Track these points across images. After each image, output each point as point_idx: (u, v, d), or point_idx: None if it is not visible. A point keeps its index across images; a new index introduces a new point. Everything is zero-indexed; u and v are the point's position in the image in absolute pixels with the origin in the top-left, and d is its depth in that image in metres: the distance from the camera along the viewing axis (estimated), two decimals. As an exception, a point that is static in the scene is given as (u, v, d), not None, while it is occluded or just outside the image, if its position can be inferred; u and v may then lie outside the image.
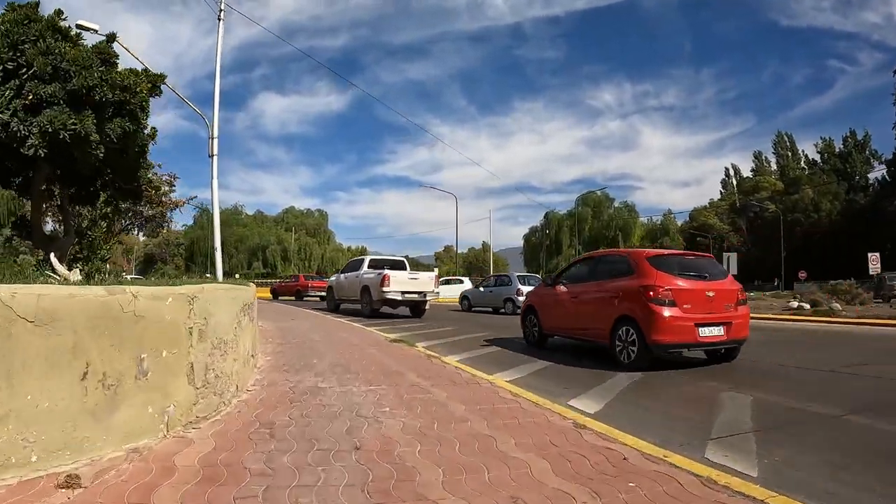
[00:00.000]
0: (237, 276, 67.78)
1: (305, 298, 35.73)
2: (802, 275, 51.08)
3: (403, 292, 18.65)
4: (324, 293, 25.21)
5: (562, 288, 10.11)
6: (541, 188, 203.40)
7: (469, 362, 8.48)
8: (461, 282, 40.02)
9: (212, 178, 14.05)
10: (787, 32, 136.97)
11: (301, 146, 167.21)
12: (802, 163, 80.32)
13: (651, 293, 7.82)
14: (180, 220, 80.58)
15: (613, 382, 6.93)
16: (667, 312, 7.68)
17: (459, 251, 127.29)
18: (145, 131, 8.06)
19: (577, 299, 9.52)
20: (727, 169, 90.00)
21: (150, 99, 7.91)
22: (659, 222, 77.52)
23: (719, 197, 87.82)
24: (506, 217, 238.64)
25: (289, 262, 71.91)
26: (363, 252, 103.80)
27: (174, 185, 32.24)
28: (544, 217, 75.10)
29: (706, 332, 7.87)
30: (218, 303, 4.93)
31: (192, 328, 4.18)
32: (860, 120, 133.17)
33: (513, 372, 7.71)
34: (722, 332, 8.01)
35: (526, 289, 19.78)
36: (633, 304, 8.04)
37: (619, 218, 70.99)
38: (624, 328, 8.12)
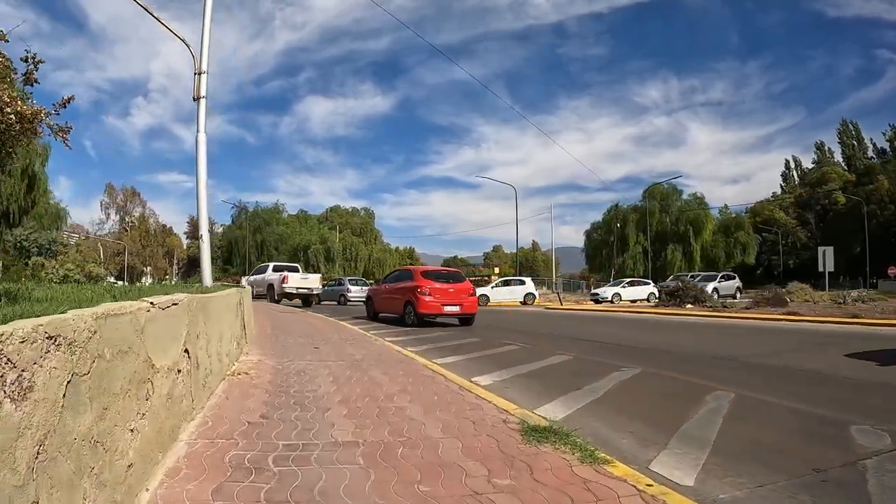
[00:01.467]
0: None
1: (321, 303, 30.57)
2: (893, 271, 46.05)
3: (297, 288, 27.43)
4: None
5: (384, 286, 19.06)
6: (587, 187, 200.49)
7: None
8: (522, 283, 36.14)
9: (197, 128, 9.82)
10: (833, 23, 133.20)
11: (347, 148, 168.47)
12: (870, 152, 74.86)
13: (419, 289, 15.66)
14: (220, 220, 79.75)
15: (405, 331, 14.16)
16: (427, 298, 15.50)
17: (508, 251, 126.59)
18: None
19: (388, 293, 17.94)
20: (787, 161, 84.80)
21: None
22: (732, 215, 71.45)
23: (780, 191, 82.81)
24: (555, 216, 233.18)
25: (333, 262, 69.23)
26: (412, 253, 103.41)
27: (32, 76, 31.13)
28: (607, 212, 69.83)
29: (448, 309, 15.75)
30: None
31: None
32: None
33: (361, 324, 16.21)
34: (458, 309, 15.93)
35: (355, 288, 31.17)
36: (411, 295, 15.84)
37: (689, 211, 65.69)
38: (408, 307, 16.04)
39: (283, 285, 26.98)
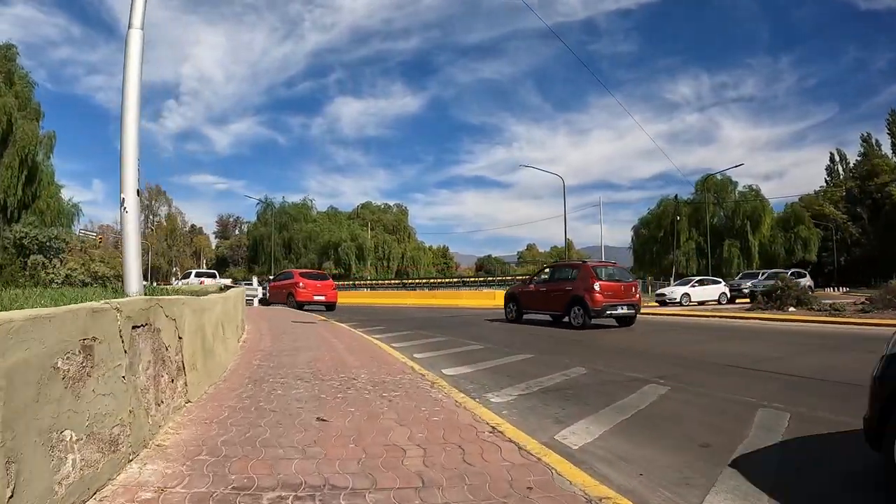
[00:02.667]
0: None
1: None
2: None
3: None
4: None
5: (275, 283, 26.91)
6: (620, 185, 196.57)
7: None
8: (717, 282, 34.57)
9: (125, 63, 5.80)
10: (866, 16, 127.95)
11: (378, 148, 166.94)
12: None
13: (298, 284, 24.69)
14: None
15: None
16: (302, 290, 24.40)
17: (542, 250, 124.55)
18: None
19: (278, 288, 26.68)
20: (832, 154, 78.51)
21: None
22: (790, 207, 65.54)
23: (824, 185, 76.70)
24: (586, 215, 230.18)
25: (364, 261, 65.33)
26: (445, 252, 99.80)
27: None
28: (657, 205, 64.60)
29: (317, 298, 23.96)
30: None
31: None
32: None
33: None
34: (323, 298, 24.28)
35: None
36: (293, 288, 25.12)
37: (746, 204, 60.28)
38: (290, 297, 24.91)
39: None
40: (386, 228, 76.47)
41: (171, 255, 78.85)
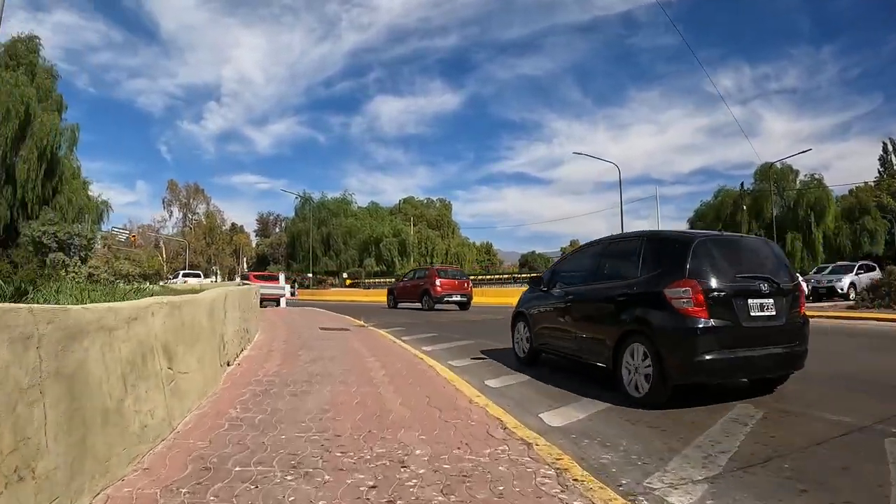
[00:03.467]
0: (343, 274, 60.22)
1: (437, 307, 22.47)
2: None
3: None
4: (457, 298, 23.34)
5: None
6: (662, 180, 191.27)
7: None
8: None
9: None
10: None
11: (418, 146, 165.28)
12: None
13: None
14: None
15: None
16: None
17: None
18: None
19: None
20: (885, 144, 72.30)
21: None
22: (853, 195, 60.06)
23: (877, 176, 70.41)
24: (627, 210, 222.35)
25: (407, 257, 62.19)
26: (489, 248, 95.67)
27: None
28: (714, 196, 59.76)
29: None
30: None
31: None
32: None
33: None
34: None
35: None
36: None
37: (809, 193, 55.33)
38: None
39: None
40: (429, 224, 73.01)
41: (209, 253, 77.13)
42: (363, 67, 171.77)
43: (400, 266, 59.96)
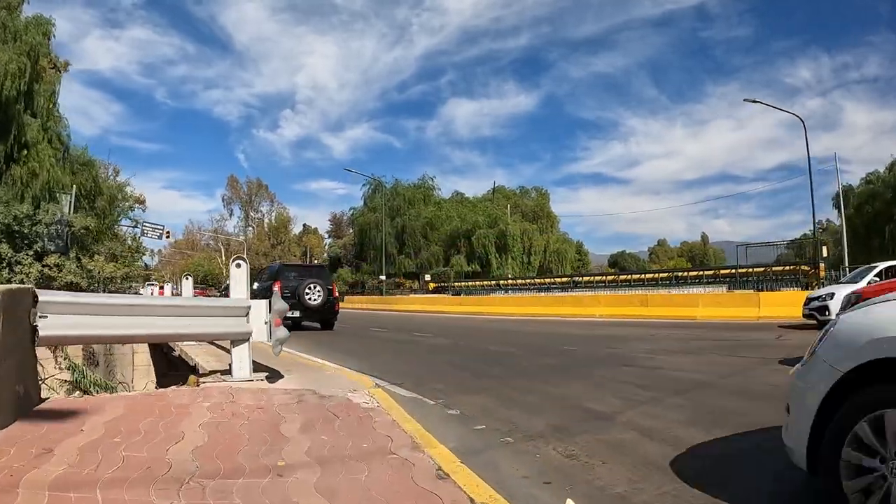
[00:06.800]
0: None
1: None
2: None
3: None
4: None
5: None
6: (742, 177, 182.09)
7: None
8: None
9: None
10: None
11: (494, 148, 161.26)
12: None
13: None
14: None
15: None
16: None
17: (673, 245, 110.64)
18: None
19: None
20: None
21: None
22: None
23: None
24: (707, 210, 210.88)
25: (506, 254, 50.77)
26: (580, 247, 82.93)
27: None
28: (866, 182, 45.95)
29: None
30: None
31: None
32: None
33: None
34: None
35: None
36: None
37: None
38: None
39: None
40: (524, 216, 60.57)
41: (274, 254, 68.54)
42: (436, 71, 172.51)
43: (497, 266, 48.09)
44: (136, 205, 37.99)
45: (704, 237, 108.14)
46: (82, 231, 20.98)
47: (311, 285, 15.41)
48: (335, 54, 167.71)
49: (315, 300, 15.38)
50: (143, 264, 34.51)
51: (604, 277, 38.15)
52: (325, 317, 16.15)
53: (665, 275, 36.16)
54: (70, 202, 23.84)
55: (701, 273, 34.71)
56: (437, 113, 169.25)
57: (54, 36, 25.75)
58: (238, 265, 6.12)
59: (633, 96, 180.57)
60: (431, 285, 45.26)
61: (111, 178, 37.60)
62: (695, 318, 18.24)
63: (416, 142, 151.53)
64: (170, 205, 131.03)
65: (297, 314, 14.74)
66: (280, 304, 5.92)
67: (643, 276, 37.76)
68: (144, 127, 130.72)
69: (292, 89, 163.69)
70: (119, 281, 20.38)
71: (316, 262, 66.34)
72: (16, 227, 19.16)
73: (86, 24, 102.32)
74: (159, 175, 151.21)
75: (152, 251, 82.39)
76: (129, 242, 31.01)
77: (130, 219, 36.37)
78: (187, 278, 13.26)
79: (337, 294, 17.07)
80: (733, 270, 30.02)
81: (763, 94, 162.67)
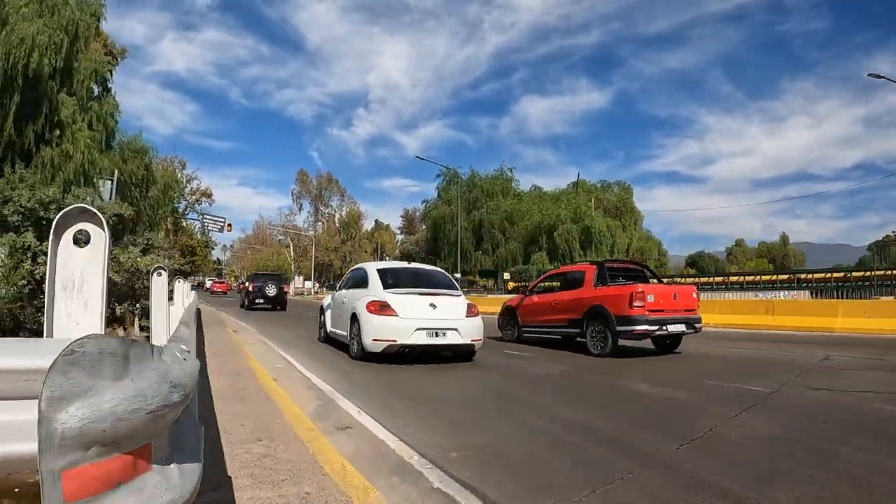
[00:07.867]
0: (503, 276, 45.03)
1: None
2: None
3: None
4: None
5: None
6: (820, 175, 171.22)
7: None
8: None
9: None
10: None
11: (566, 146, 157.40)
12: None
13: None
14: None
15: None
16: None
17: (751, 245, 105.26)
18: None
19: None
20: None
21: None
22: None
23: None
24: (783, 210, 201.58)
25: (591, 250, 46.56)
26: (658, 246, 77.78)
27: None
28: None
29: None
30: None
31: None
32: None
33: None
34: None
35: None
36: None
37: None
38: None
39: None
40: (606, 211, 56.04)
41: (344, 251, 66.52)
42: (508, 68, 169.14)
43: (580, 261, 43.44)
44: (203, 198, 36.34)
45: (785, 237, 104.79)
46: (113, 219, 18.47)
47: (270, 284, 25.94)
48: (407, 53, 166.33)
49: (271, 293, 25.73)
50: (214, 258, 33.22)
51: (710, 279, 33.64)
52: (277, 303, 25.94)
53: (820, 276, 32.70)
54: (112, 189, 21.57)
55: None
56: (509, 110, 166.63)
57: (105, 19, 23.92)
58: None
59: (708, 93, 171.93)
60: (511, 284, 41.54)
61: (177, 170, 36.20)
62: (832, 330, 15.12)
63: (489, 139, 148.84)
64: (244, 201, 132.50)
65: (261, 301, 25.55)
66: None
67: (758, 277, 33.24)
68: (218, 126, 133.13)
69: (365, 88, 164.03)
70: (146, 276, 18.00)
71: (387, 258, 64.71)
72: (42, 214, 16.89)
73: (159, 27, 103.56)
74: (232, 172, 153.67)
75: (224, 246, 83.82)
76: (199, 236, 29.54)
77: (197, 212, 34.98)
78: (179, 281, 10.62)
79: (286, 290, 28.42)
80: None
81: (840, 90, 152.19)
